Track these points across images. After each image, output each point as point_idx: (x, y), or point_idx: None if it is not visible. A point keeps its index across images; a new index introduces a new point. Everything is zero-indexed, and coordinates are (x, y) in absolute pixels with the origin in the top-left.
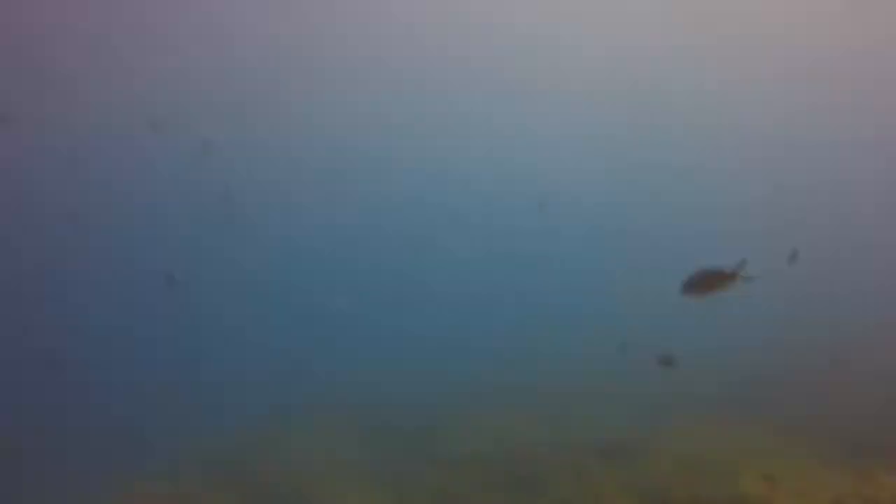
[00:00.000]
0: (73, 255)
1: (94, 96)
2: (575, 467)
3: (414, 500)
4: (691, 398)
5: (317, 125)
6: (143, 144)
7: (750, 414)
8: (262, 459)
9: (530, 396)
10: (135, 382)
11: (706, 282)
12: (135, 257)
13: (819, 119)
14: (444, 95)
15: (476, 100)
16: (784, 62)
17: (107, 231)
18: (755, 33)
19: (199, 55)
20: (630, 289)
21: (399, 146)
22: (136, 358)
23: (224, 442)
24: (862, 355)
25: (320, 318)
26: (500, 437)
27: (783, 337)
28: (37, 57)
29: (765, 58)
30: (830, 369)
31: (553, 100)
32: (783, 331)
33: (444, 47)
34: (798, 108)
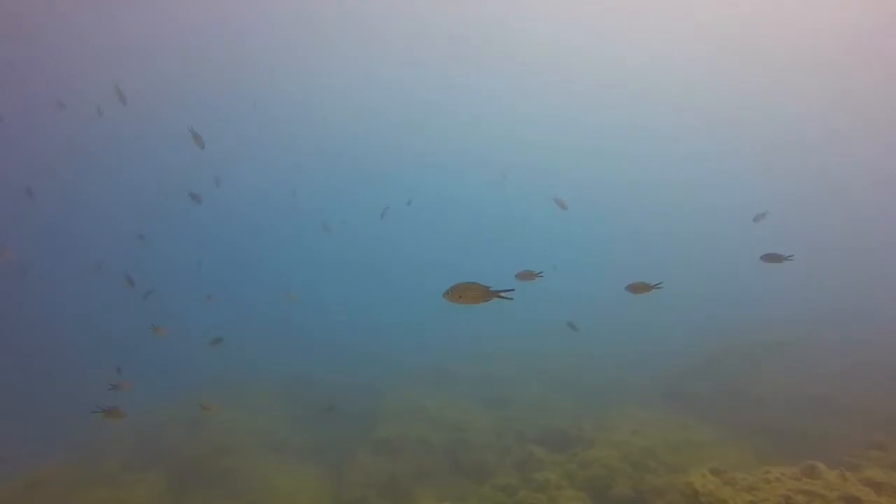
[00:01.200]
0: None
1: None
2: (519, 455)
3: (353, 483)
4: (631, 390)
5: None
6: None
7: (687, 407)
8: (189, 437)
9: (474, 383)
10: (53, 357)
11: (461, 292)
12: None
13: None
14: None
15: None
16: None
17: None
18: None
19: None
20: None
21: None
22: (53, 333)
23: (148, 418)
24: (797, 352)
25: (260, 294)
26: (442, 422)
27: (717, 335)
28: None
29: None
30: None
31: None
32: (717, 329)
33: None
34: None
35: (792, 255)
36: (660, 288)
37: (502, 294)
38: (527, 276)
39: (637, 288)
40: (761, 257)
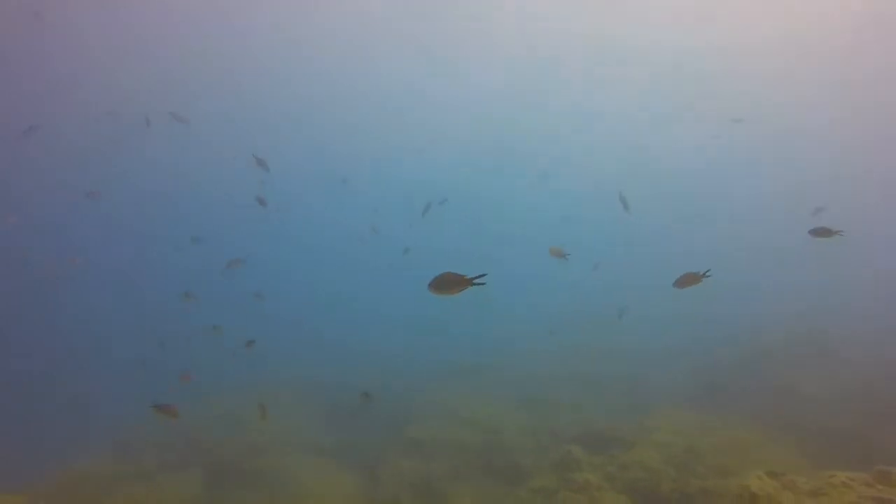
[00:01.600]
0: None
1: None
2: (555, 456)
3: (386, 485)
4: (667, 387)
5: None
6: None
7: (725, 404)
8: (223, 438)
9: (506, 382)
10: (88, 358)
11: (444, 283)
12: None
13: None
14: None
15: None
16: None
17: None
18: None
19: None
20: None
21: None
22: (88, 333)
23: (182, 418)
24: (833, 345)
25: (289, 294)
26: (475, 421)
27: (758, 331)
28: None
29: None
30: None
31: None
32: (757, 326)
33: None
34: None
35: (842, 230)
36: (708, 276)
37: (476, 281)
38: (557, 252)
39: (685, 281)
40: (809, 231)
